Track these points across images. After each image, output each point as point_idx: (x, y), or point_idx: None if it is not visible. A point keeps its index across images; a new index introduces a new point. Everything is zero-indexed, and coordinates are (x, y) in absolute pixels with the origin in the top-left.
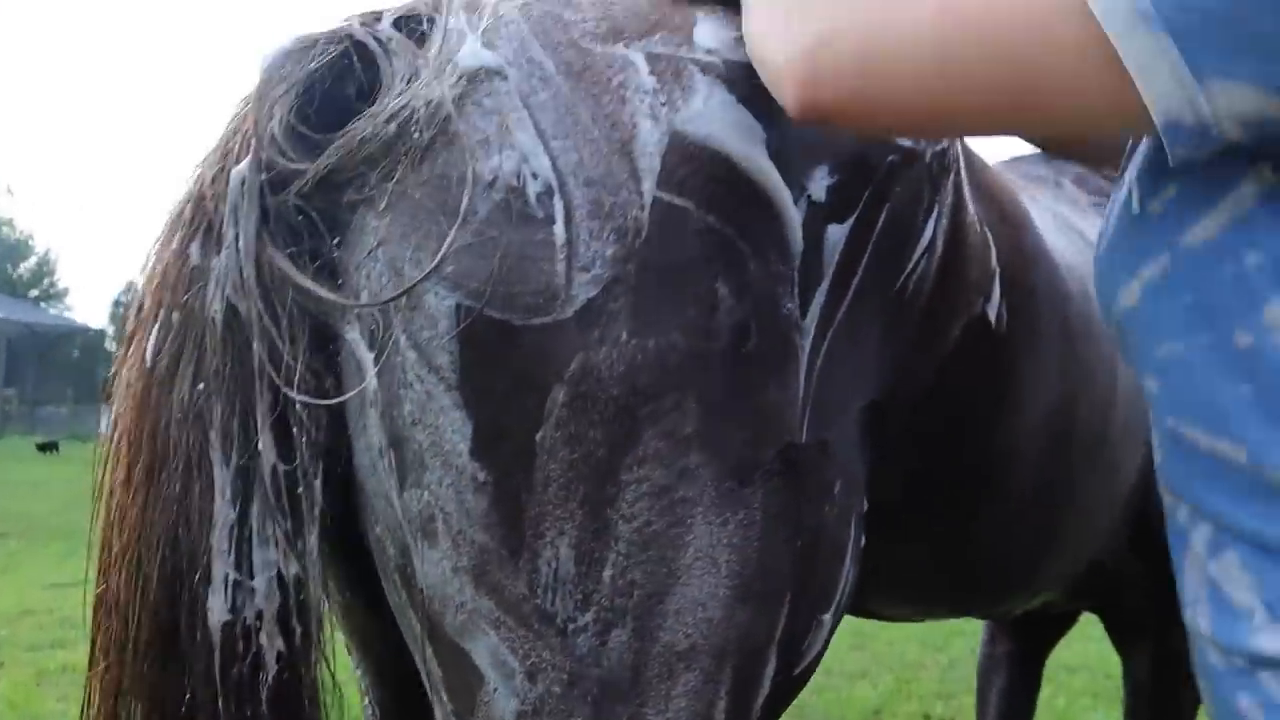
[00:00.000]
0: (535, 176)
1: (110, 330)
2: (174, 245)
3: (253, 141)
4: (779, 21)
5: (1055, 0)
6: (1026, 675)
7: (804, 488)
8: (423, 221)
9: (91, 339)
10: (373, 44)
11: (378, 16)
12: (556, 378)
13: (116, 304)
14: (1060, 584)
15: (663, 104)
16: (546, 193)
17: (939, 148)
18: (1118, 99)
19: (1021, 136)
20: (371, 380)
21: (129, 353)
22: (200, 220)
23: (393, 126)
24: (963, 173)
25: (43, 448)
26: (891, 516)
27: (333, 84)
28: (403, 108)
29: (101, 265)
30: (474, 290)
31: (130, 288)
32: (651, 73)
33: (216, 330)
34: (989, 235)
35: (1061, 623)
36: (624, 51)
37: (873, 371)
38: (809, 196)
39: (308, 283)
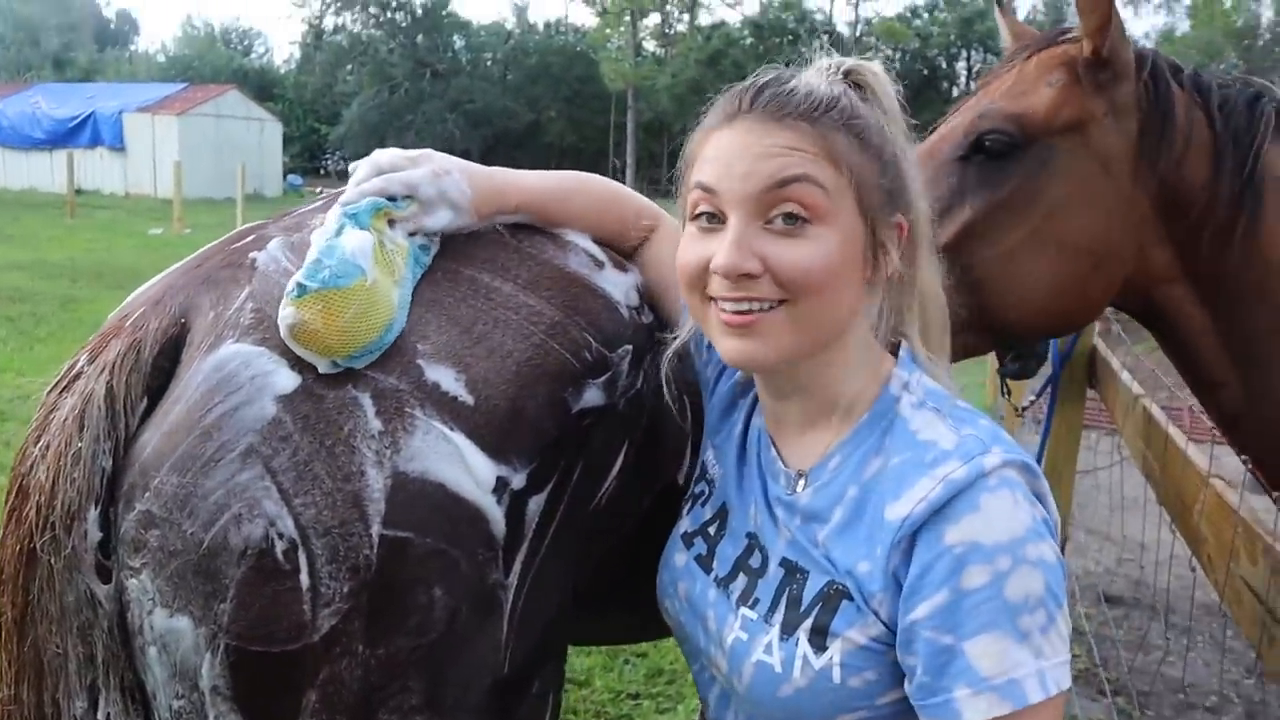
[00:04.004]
0: (281, 536)
1: None
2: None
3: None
4: None
5: None
6: None
7: (504, 704)
8: (191, 584)
9: None
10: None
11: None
12: (309, 684)
13: None
14: None
15: (387, 448)
16: (292, 548)
17: (632, 392)
18: None
19: None
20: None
21: None
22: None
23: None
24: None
25: None
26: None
27: None
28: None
29: None
30: (238, 633)
31: None
32: (378, 414)
33: None
34: (686, 401)
35: None
36: (353, 394)
37: (576, 565)
38: (510, 490)
39: None
